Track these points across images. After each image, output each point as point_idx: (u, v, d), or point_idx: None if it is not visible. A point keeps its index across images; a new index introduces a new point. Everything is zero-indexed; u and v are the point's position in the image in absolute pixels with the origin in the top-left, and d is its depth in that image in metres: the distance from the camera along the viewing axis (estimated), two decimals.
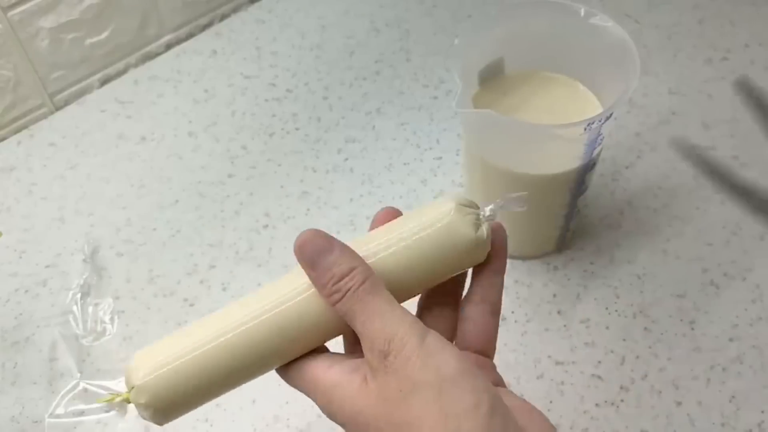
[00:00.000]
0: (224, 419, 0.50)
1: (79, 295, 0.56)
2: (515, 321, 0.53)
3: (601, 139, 0.48)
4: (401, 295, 0.34)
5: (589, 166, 0.50)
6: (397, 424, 0.30)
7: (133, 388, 0.32)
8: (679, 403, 0.49)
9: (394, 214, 0.36)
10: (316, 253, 0.32)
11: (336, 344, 0.35)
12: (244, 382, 0.34)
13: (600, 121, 0.45)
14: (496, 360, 0.36)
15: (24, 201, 0.63)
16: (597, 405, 0.50)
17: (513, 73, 0.53)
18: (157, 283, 0.57)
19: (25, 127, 0.68)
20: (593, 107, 0.51)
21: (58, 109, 0.70)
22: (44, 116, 0.69)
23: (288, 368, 0.34)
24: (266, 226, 0.60)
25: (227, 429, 0.50)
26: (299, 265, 0.33)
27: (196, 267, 0.58)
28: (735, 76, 0.68)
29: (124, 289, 0.57)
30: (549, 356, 0.52)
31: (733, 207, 0.59)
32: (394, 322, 0.31)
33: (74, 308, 0.56)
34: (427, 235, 0.34)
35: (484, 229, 0.35)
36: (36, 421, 0.50)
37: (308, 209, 0.61)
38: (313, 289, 0.33)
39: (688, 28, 0.73)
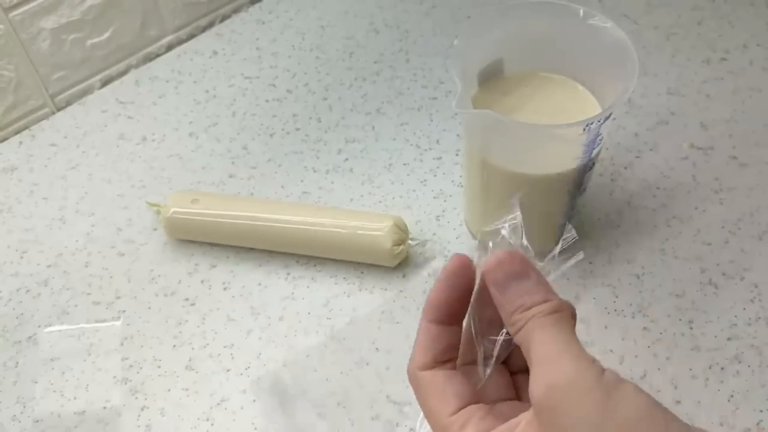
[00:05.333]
0: (225, 418, 0.50)
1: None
2: None
3: (600, 140, 0.48)
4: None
5: (588, 167, 0.50)
6: None
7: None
8: (677, 402, 0.50)
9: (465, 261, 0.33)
10: (511, 276, 0.30)
11: None
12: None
13: (599, 121, 0.45)
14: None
15: (25, 201, 0.63)
16: None
17: (512, 73, 0.53)
18: (157, 282, 0.57)
19: (26, 127, 0.69)
20: (592, 108, 0.51)
21: (59, 109, 0.70)
22: (45, 117, 0.69)
23: None
24: None
25: (228, 428, 0.50)
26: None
27: (197, 266, 0.58)
28: (734, 76, 0.68)
29: (125, 289, 0.57)
30: None
31: (731, 207, 0.59)
32: (570, 359, 0.28)
33: (76, 308, 0.56)
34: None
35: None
36: (37, 421, 0.51)
37: None
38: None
39: (686, 28, 0.73)
